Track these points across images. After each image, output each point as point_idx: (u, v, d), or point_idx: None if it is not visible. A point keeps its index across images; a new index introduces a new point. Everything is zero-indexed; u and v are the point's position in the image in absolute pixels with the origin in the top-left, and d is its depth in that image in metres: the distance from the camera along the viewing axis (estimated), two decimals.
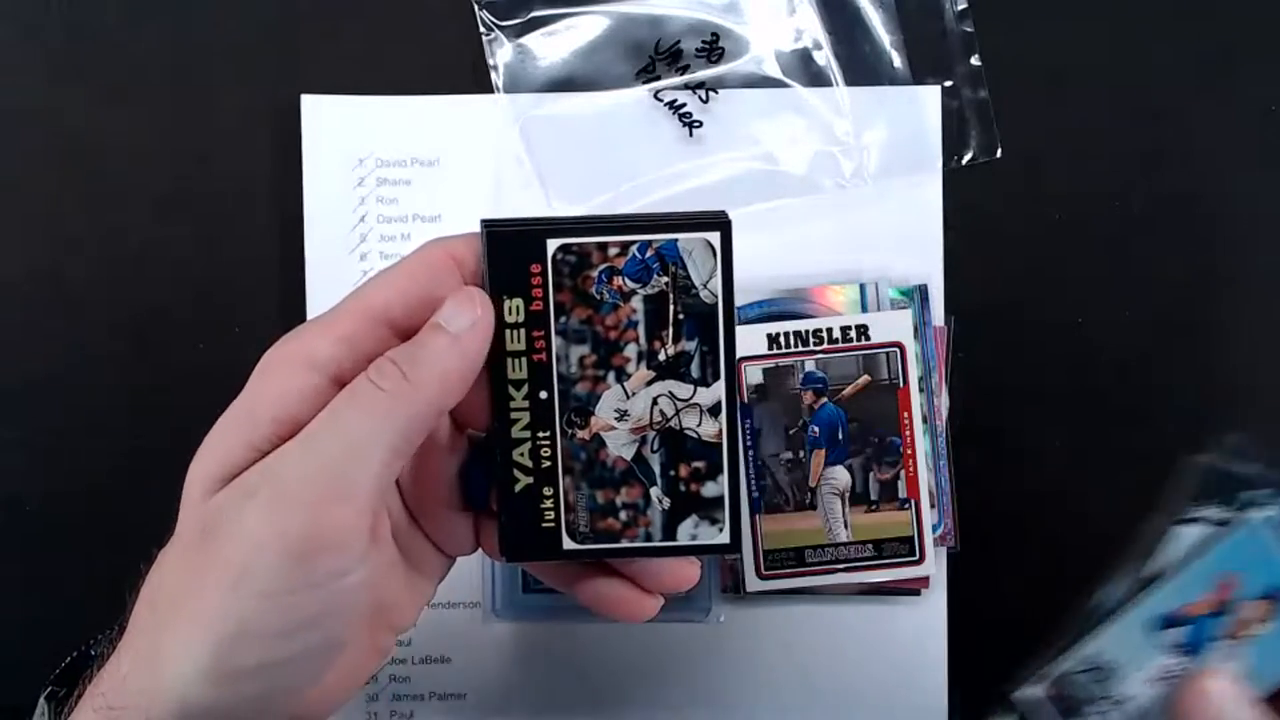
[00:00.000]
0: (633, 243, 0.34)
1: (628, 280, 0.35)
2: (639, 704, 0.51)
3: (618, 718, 0.51)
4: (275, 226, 0.51)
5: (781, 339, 0.49)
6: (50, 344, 0.51)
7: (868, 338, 0.49)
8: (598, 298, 0.35)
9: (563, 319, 0.35)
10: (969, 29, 0.51)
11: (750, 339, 0.49)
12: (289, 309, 0.51)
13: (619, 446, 0.36)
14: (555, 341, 0.35)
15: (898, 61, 0.51)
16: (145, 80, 0.51)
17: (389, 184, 0.51)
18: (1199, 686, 0.33)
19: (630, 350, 0.35)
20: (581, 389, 0.35)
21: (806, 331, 0.49)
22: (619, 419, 0.35)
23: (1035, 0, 0.52)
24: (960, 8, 0.51)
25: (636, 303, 0.35)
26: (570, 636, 0.51)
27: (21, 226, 0.51)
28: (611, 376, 0.35)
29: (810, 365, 0.49)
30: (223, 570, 0.31)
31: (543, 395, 0.35)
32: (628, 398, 0.35)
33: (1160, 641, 0.34)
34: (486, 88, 0.51)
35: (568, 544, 0.36)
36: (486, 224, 0.34)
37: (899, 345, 0.49)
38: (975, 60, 0.51)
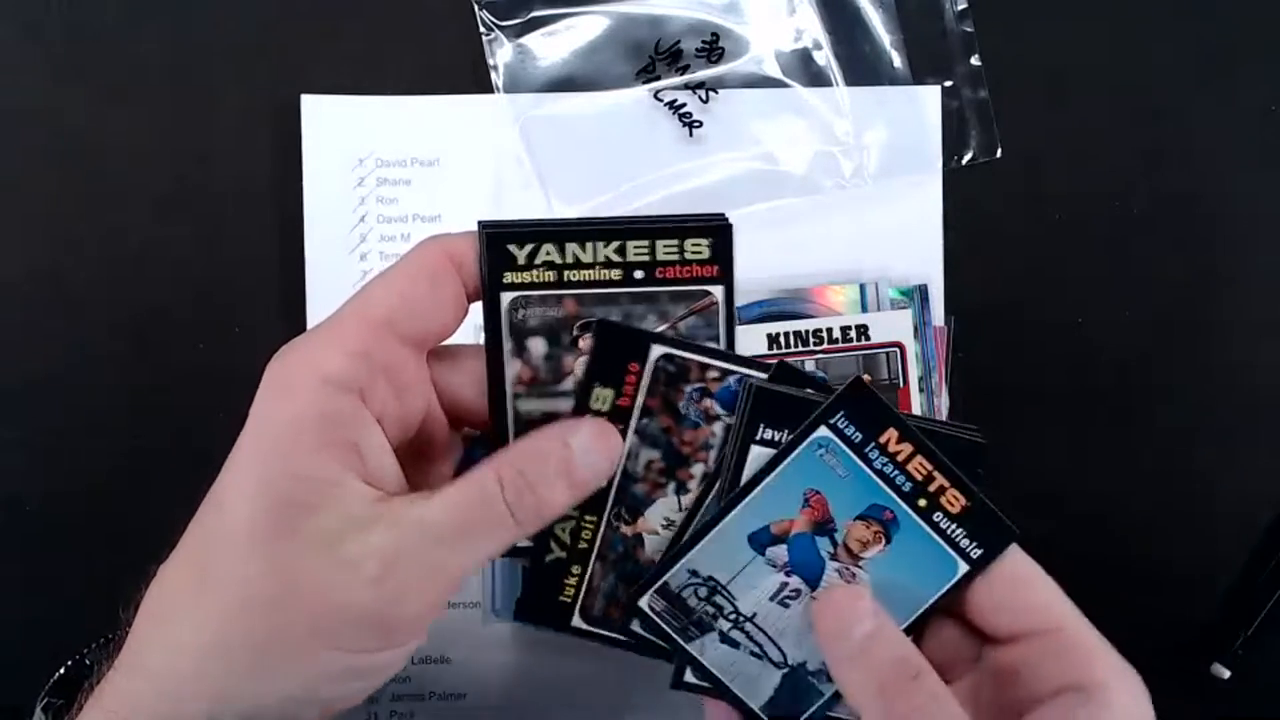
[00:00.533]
0: (733, 372, 0.35)
1: (717, 405, 0.35)
2: (639, 704, 0.51)
3: (618, 717, 0.51)
4: (275, 226, 0.51)
5: (781, 339, 0.49)
6: (50, 344, 0.51)
7: (868, 338, 0.49)
8: (683, 412, 0.35)
9: (645, 420, 0.35)
10: (969, 29, 0.51)
11: (750, 339, 0.49)
12: (289, 309, 0.50)
13: (655, 551, 0.36)
14: (631, 439, 0.35)
15: (898, 61, 0.51)
16: (145, 80, 0.51)
17: (389, 184, 0.51)
18: (829, 600, 0.34)
19: (697, 469, 0.36)
20: (640, 489, 0.36)
21: (806, 331, 0.49)
22: (665, 527, 0.36)
23: (1035, 0, 0.52)
24: (960, 8, 0.51)
25: (718, 427, 0.35)
26: (570, 636, 0.51)
27: (21, 226, 0.51)
28: (671, 487, 0.36)
29: (810, 365, 0.49)
30: (301, 618, 0.31)
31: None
32: (679, 511, 0.36)
33: (766, 559, 0.35)
34: (486, 88, 0.51)
35: (577, 621, 0.37)
36: (484, 225, 0.34)
37: (899, 345, 0.49)
38: (975, 60, 0.51)
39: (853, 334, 0.49)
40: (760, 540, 0.35)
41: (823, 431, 0.34)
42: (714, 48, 0.51)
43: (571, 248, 0.34)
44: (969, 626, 0.35)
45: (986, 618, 0.34)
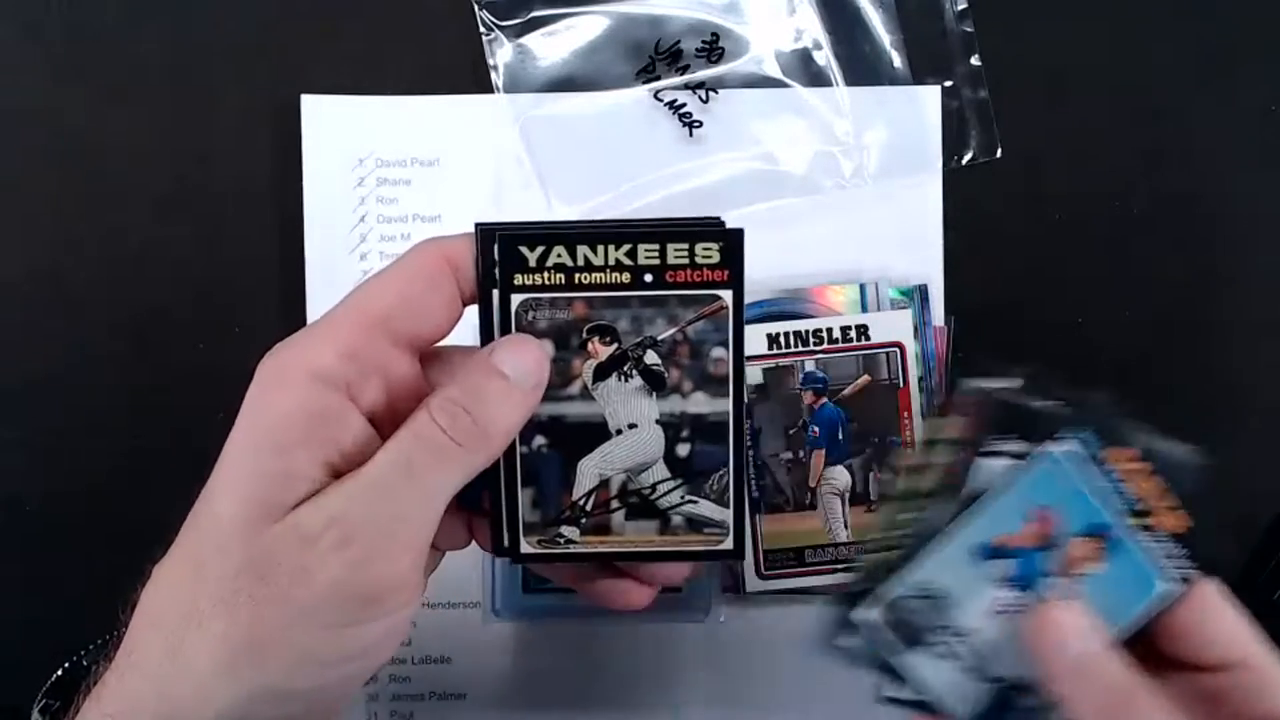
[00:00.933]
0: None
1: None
2: (639, 703, 0.51)
3: (618, 717, 0.51)
4: (275, 226, 0.51)
5: (781, 339, 0.49)
6: (50, 344, 0.51)
7: (868, 338, 0.49)
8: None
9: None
10: (969, 29, 0.51)
11: (750, 339, 0.49)
12: (289, 309, 0.51)
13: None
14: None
15: (898, 61, 0.51)
16: (145, 80, 0.51)
17: (389, 184, 0.51)
18: (1048, 615, 0.33)
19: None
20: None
21: (806, 331, 0.49)
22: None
23: (1035, 0, 0.52)
24: (960, 8, 0.51)
25: None
26: (570, 636, 0.51)
27: (21, 226, 0.51)
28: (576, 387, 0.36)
29: (810, 365, 0.49)
30: (282, 604, 0.31)
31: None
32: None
33: (989, 573, 0.34)
34: (486, 88, 0.51)
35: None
36: (481, 227, 0.34)
37: (899, 345, 0.49)
38: (975, 60, 0.51)
39: (853, 334, 0.49)
40: (984, 554, 0.34)
41: (1062, 446, 0.34)
42: (714, 48, 0.51)
43: (583, 250, 0.34)
44: (1154, 650, 0.35)
45: (1178, 644, 0.34)
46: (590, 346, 0.35)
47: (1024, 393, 0.34)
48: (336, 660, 0.32)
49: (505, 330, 0.35)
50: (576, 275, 0.35)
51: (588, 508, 0.36)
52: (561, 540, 0.36)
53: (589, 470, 0.36)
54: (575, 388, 0.36)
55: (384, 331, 0.33)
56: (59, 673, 0.39)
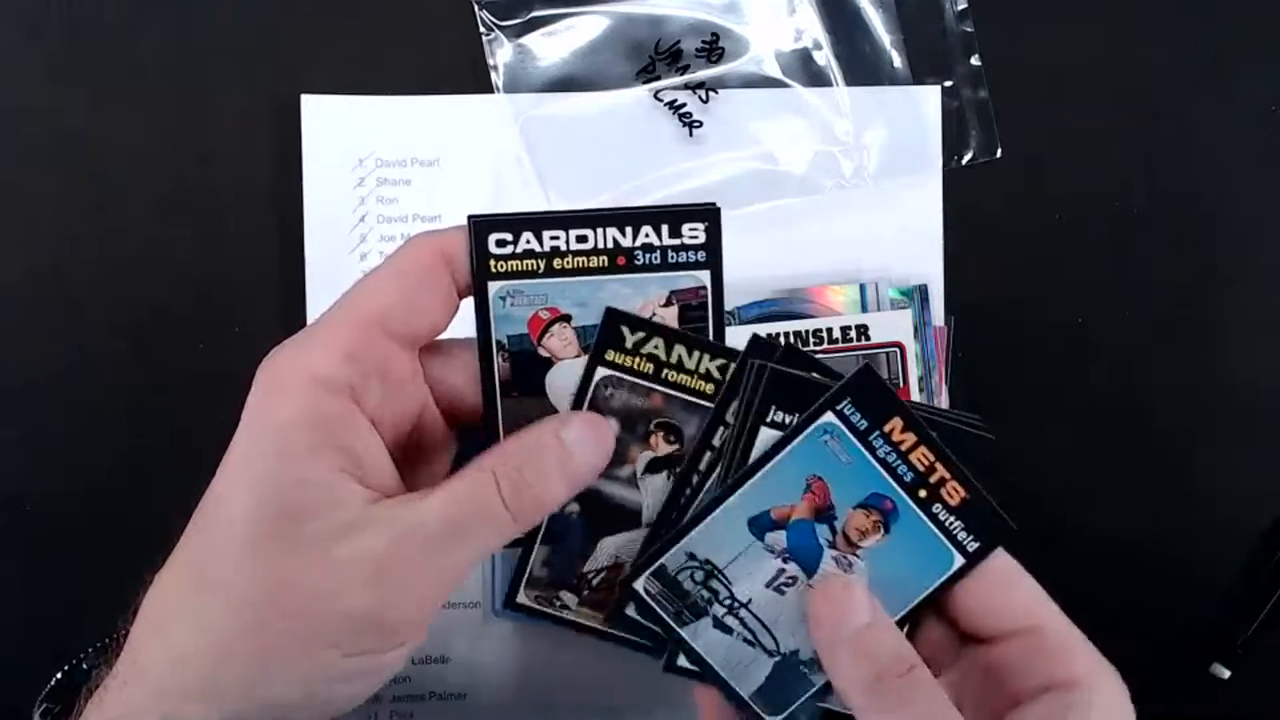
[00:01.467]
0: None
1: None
2: (639, 703, 0.51)
3: (618, 717, 0.51)
4: (275, 226, 0.51)
5: (781, 339, 0.49)
6: (50, 344, 0.51)
7: (868, 338, 0.49)
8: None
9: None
10: (969, 29, 0.51)
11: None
12: (289, 309, 0.50)
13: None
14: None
15: (898, 61, 0.51)
16: (145, 80, 0.51)
17: (389, 184, 0.51)
18: (824, 590, 0.34)
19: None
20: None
21: (806, 331, 0.49)
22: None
23: (1035, 0, 0.52)
24: (960, 8, 0.51)
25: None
26: (570, 636, 0.51)
27: (21, 226, 0.51)
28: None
29: None
30: (297, 621, 0.31)
31: None
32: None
33: (765, 545, 0.35)
34: (486, 88, 0.51)
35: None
36: (474, 220, 0.34)
37: (899, 345, 0.49)
38: (975, 60, 0.51)
39: (853, 334, 0.49)
40: (760, 525, 0.35)
41: (829, 417, 0.34)
42: (714, 48, 0.51)
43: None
44: (951, 623, 0.35)
45: (972, 617, 0.34)
46: (653, 439, 0.36)
47: (787, 362, 0.34)
48: (341, 679, 0.32)
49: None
50: (554, 260, 0.35)
51: (594, 583, 0.36)
52: (557, 603, 0.37)
53: (608, 549, 0.36)
54: (625, 471, 0.36)
55: (383, 331, 0.33)
56: (58, 676, 0.39)
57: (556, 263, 0.35)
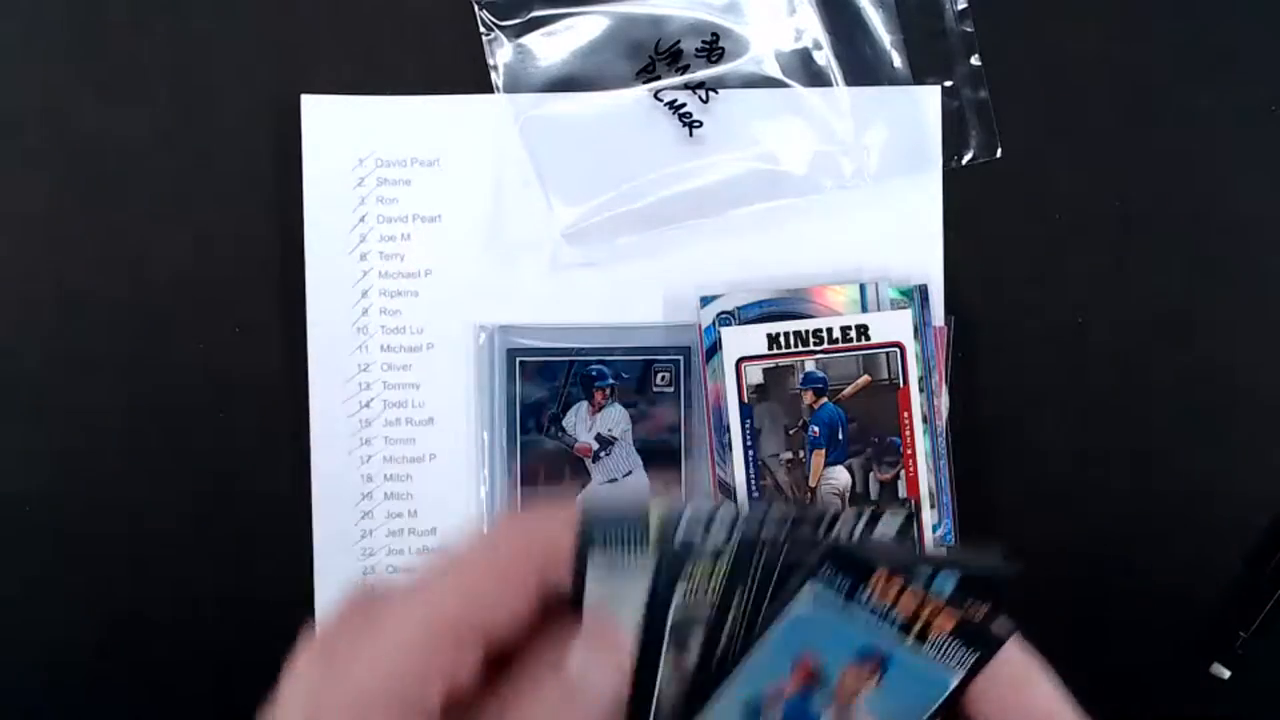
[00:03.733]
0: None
1: None
2: None
3: None
4: (275, 226, 0.51)
5: (781, 339, 0.49)
6: (50, 344, 0.51)
7: (868, 338, 0.49)
8: None
9: None
10: (969, 29, 0.51)
11: (750, 339, 0.49)
12: (289, 309, 0.50)
13: None
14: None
15: (898, 61, 0.51)
16: (145, 80, 0.51)
17: (389, 184, 0.51)
18: None
19: None
20: None
21: (806, 331, 0.49)
22: None
23: (1035, 0, 0.52)
24: (960, 8, 0.51)
25: None
26: None
27: (22, 226, 0.51)
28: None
29: (810, 365, 0.49)
30: None
31: None
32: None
33: None
34: (486, 88, 0.51)
35: None
36: (588, 513, 0.28)
37: (899, 345, 0.49)
38: (975, 60, 0.51)
39: (853, 334, 0.49)
40: (758, 706, 0.34)
41: (807, 589, 0.33)
42: (714, 48, 0.51)
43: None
44: None
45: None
46: None
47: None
48: None
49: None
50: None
51: None
52: None
53: None
54: None
55: (453, 641, 0.27)
56: None
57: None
